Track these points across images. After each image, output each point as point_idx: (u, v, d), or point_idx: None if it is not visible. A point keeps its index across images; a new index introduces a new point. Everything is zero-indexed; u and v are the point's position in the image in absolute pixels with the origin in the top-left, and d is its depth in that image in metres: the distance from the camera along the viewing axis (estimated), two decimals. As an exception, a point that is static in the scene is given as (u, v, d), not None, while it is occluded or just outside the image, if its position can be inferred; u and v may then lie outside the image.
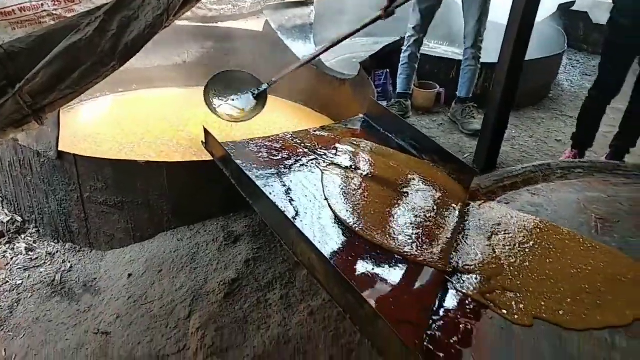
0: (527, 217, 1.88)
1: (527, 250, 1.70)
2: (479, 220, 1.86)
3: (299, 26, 3.75)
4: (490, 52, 3.24)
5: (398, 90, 3.49)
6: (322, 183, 1.85)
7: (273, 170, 1.90)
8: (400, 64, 3.44)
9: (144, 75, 3.78)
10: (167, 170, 1.90)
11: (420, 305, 1.42)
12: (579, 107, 3.19)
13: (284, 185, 1.81)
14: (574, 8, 5.05)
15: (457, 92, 3.45)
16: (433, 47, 4.90)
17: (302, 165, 1.93)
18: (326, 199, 1.75)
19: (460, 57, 3.45)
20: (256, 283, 1.83)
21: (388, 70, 3.53)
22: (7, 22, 1.64)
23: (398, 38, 3.48)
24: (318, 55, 2.66)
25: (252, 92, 2.79)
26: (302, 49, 3.68)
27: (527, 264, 1.62)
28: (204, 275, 1.87)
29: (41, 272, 2.05)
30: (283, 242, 1.56)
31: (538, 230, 1.81)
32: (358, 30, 2.37)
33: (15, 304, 1.94)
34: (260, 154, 1.97)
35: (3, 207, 2.33)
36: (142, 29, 1.60)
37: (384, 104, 3.27)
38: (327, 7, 4.42)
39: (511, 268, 1.59)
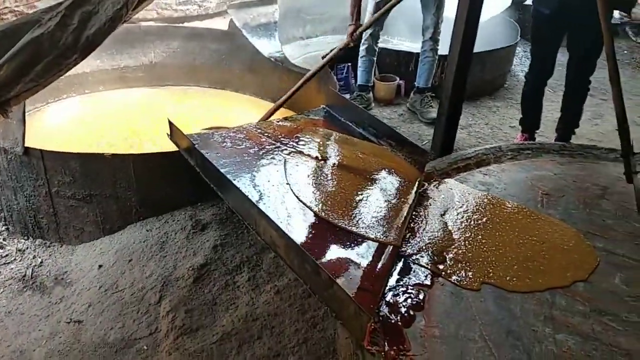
0: (478, 193, 2.00)
1: (477, 223, 1.81)
2: (434, 198, 1.97)
3: (264, 24, 3.82)
4: (448, 44, 3.39)
5: (358, 83, 3.59)
6: (285, 169, 1.94)
7: (237, 158, 1.96)
8: (360, 56, 3.55)
9: (111, 76, 3.80)
10: (133, 162, 1.95)
11: (375, 276, 1.51)
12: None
13: (248, 173, 1.87)
14: (527, 2, 5.27)
15: (415, 83, 3.58)
16: (396, 43, 5.05)
17: (265, 153, 2.00)
18: (288, 184, 1.83)
19: (418, 51, 3.59)
20: (224, 267, 1.90)
21: (349, 64, 3.65)
22: (-31, 20, 1.68)
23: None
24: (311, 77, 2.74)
25: None
26: (267, 46, 3.76)
27: (478, 236, 1.74)
28: (173, 262, 1.93)
29: (12, 268, 2.08)
30: (247, 223, 1.64)
31: (488, 205, 1.93)
32: (331, 59, 2.57)
33: (-13, 300, 1.97)
34: (225, 144, 2.03)
35: (-29, 207, 2.34)
36: (102, 22, 1.65)
37: (347, 96, 3.38)
38: (290, 5, 4.51)
39: (462, 240, 1.70)
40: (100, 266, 1.98)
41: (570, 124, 3.31)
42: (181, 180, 2.07)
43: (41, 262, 2.10)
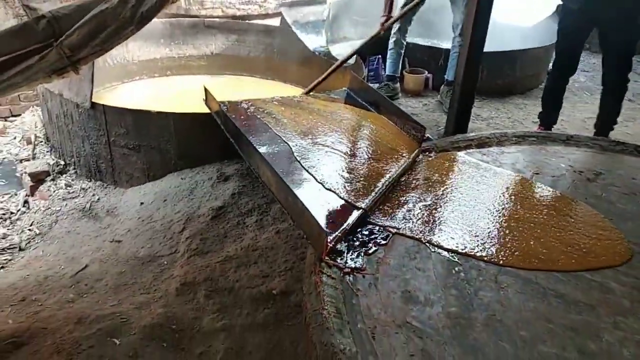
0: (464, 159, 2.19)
1: (447, 189, 2.00)
2: (421, 168, 2.18)
3: (312, 22, 4.18)
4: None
5: (387, 73, 3.85)
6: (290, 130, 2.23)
7: (256, 121, 2.31)
8: (388, 49, 3.80)
9: (177, 64, 4.33)
10: (173, 120, 2.36)
11: (339, 220, 1.75)
12: (567, 98, 3.45)
13: (259, 130, 2.20)
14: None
15: (445, 76, 3.77)
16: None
17: (277, 118, 2.33)
18: (286, 142, 2.12)
19: (448, 47, 3.78)
20: (238, 210, 2.25)
21: (380, 56, 3.92)
22: (57, -3, 2.17)
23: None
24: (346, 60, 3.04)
25: None
26: (315, 41, 4.11)
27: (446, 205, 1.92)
28: (198, 203, 2.30)
29: (75, 202, 2.56)
30: (252, 167, 1.97)
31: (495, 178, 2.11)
32: (363, 45, 2.82)
33: (54, 223, 2.45)
34: (248, 110, 2.39)
35: (51, 153, 2.88)
36: (154, 2, 2.07)
37: (376, 85, 3.65)
38: (342, 6, 4.86)
39: (432, 209, 1.84)
40: (141, 203, 2.40)
41: (607, 121, 3.35)
42: (212, 139, 2.44)
43: (98, 199, 2.56)
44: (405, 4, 3.58)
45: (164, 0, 2.08)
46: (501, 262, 1.60)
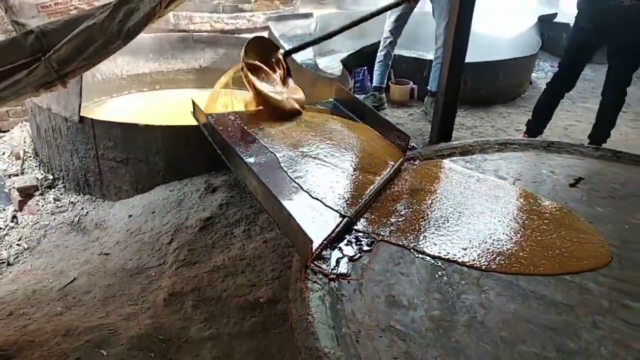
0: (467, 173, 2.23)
1: (431, 196, 2.04)
2: (406, 176, 2.22)
3: (299, 35, 4.24)
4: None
5: (374, 84, 3.91)
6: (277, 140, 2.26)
7: (243, 132, 2.34)
8: (377, 61, 3.86)
9: (166, 77, 4.36)
10: (161, 132, 2.39)
11: (325, 227, 1.77)
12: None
13: (245, 141, 2.22)
14: (556, 20, 5.38)
15: (428, 87, 3.85)
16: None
17: (264, 128, 2.36)
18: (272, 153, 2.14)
19: (432, 58, 3.86)
20: (226, 221, 2.27)
21: (365, 67, 3.99)
22: (45, 13, 2.19)
23: (375, 41, 3.94)
24: (338, 32, 2.86)
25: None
26: (302, 54, 4.16)
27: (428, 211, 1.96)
28: (186, 215, 2.32)
29: (64, 216, 2.56)
30: (239, 178, 2.00)
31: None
32: (383, 11, 2.79)
33: (42, 238, 2.45)
34: (236, 121, 2.42)
35: (40, 168, 2.89)
36: (141, 17, 2.10)
37: (362, 96, 3.71)
38: (329, 20, 4.93)
39: (416, 215, 1.87)
40: (130, 216, 2.41)
41: (603, 132, 3.45)
42: (200, 151, 2.46)
43: (87, 212, 2.57)
44: (396, 19, 3.67)
45: (151, 15, 2.12)
46: (483, 267, 1.63)
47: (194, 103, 2.37)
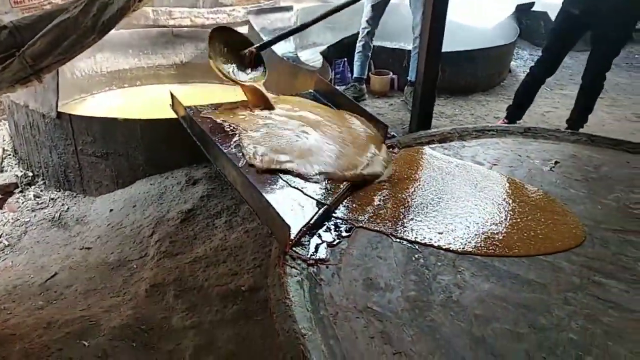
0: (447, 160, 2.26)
1: (410, 183, 2.07)
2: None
3: (280, 28, 4.24)
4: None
5: (354, 75, 3.93)
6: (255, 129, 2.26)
7: (221, 123, 2.34)
8: (356, 52, 3.89)
9: (146, 73, 4.34)
10: (140, 126, 2.38)
11: (303, 215, 1.79)
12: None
13: (227, 132, 2.23)
14: (534, 8, 5.45)
15: (408, 77, 3.88)
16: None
17: (243, 118, 2.36)
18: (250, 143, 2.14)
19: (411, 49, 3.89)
20: (207, 212, 2.28)
21: (346, 59, 4.01)
22: (18, 8, 2.17)
23: (355, 32, 3.96)
24: (303, 27, 2.86)
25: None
26: (283, 47, 4.17)
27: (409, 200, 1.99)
28: (167, 207, 2.32)
29: (45, 212, 2.55)
30: (217, 168, 2.01)
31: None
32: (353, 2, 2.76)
33: (23, 234, 2.43)
34: (215, 113, 2.42)
35: (19, 165, 2.86)
36: (115, 11, 2.10)
37: (342, 87, 3.73)
38: (310, 13, 4.93)
39: (395, 202, 1.89)
40: (111, 210, 2.41)
41: (581, 117, 3.51)
42: (180, 144, 2.45)
43: (68, 208, 2.56)
44: (372, 9, 3.69)
45: (125, 9, 2.12)
46: (459, 250, 1.66)
47: (172, 95, 2.36)
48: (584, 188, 2.11)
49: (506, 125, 2.84)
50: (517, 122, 3.52)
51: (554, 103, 3.63)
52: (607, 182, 2.16)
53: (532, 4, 5.42)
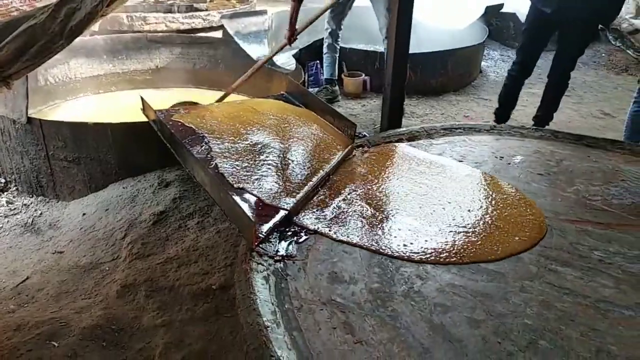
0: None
1: (378, 182, 2.11)
2: (354, 162, 2.30)
3: (254, 32, 4.28)
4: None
5: (324, 77, 4.00)
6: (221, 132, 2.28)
7: (190, 126, 2.36)
8: (323, 54, 3.95)
9: (121, 79, 4.33)
10: (111, 130, 2.40)
11: (269, 213, 1.81)
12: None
13: (195, 134, 2.24)
14: (503, 10, 5.59)
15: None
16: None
17: (211, 121, 2.38)
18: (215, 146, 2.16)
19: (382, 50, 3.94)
20: (179, 214, 2.30)
21: (318, 61, 4.07)
22: (-16, 15, 2.19)
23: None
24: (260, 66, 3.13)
25: None
26: (258, 50, 4.21)
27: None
28: (140, 210, 2.34)
29: (17, 218, 2.54)
30: (187, 169, 2.03)
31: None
32: (271, 57, 3.06)
33: (-5, 241, 2.43)
34: (184, 116, 2.44)
35: (-10, 172, 2.85)
36: (83, 16, 2.11)
37: (316, 89, 3.78)
38: (284, 17, 4.97)
39: (357, 203, 1.91)
40: (84, 214, 2.41)
41: (547, 114, 3.60)
42: (152, 147, 2.46)
43: (41, 213, 2.55)
44: (332, 10, 3.74)
45: (93, 14, 2.13)
46: (422, 259, 1.63)
47: (142, 100, 2.38)
48: (545, 182, 2.18)
49: (473, 123, 2.91)
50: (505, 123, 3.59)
51: (522, 102, 3.72)
52: (568, 176, 2.24)
53: (501, 5, 5.55)
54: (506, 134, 2.77)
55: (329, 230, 1.76)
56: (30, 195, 2.67)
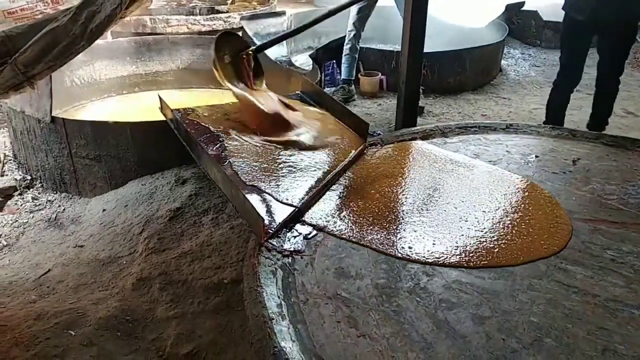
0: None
1: (394, 180, 2.11)
2: (367, 161, 2.30)
3: (273, 33, 4.31)
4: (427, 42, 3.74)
5: (342, 77, 4.01)
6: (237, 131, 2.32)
7: (205, 125, 2.41)
8: (343, 54, 3.96)
9: (144, 80, 4.44)
10: (130, 129, 2.47)
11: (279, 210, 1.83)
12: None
13: (209, 133, 2.29)
14: (524, 8, 5.50)
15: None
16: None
17: (226, 119, 2.42)
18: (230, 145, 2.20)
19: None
20: (195, 210, 2.35)
21: (334, 61, 4.08)
22: (12, 19, 2.27)
23: (342, 35, 4.04)
24: (302, 29, 2.87)
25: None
26: (276, 51, 4.25)
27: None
28: (157, 206, 2.40)
29: (42, 213, 2.63)
30: (201, 166, 2.08)
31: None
32: (343, 8, 2.79)
33: (21, 235, 2.52)
34: (201, 115, 2.50)
35: (18, 169, 2.97)
36: (103, 18, 2.18)
37: (332, 89, 3.80)
38: (303, 18, 5.02)
39: (369, 205, 1.89)
40: (104, 210, 2.49)
41: (601, 121, 3.47)
42: (170, 145, 2.54)
43: (64, 209, 2.64)
44: (358, 12, 3.76)
45: (112, 16, 2.20)
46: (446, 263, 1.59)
47: (160, 99, 2.44)
48: (560, 180, 2.15)
49: (488, 121, 2.88)
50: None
51: (542, 100, 3.65)
52: (582, 174, 2.20)
53: (522, 3, 5.47)
54: (522, 133, 2.73)
55: (337, 229, 1.77)
56: (54, 192, 2.77)
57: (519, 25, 5.46)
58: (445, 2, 4.36)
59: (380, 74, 4.18)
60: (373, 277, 1.56)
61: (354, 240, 1.71)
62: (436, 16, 4.15)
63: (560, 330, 1.36)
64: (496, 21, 4.90)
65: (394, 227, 1.78)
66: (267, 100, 2.40)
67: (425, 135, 2.65)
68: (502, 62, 4.82)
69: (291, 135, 2.25)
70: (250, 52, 2.65)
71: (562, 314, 1.42)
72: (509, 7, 5.01)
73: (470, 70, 4.21)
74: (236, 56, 2.58)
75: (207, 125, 2.34)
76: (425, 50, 3.80)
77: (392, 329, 1.36)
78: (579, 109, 4.01)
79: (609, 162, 2.32)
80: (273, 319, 1.35)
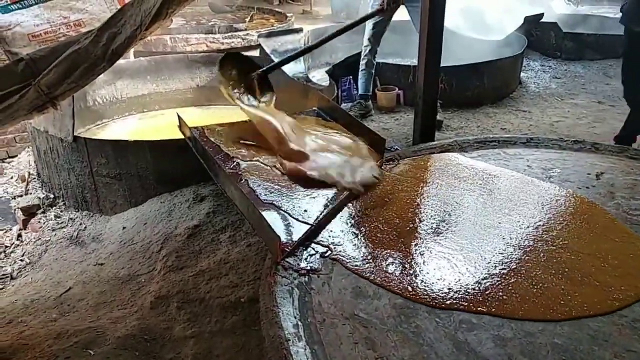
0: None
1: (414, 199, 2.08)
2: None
3: (290, 50, 4.36)
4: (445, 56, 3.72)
5: (359, 93, 4.01)
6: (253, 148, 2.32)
7: (221, 143, 2.42)
8: (360, 70, 3.97)
9: (164, 98, 4.52)
10: (149, 147, 2.50)
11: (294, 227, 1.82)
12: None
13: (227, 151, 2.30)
14: (543, 20, 5.44)
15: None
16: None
17: (241, 137, 2.42)
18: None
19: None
20: (212, 228, 2.36)
21: (351, 77, 4.09)
22: (36, 42, 2.35)
23: (358, 52, 4.05)
24: (314, 47, 3.02)
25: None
26: (293, 68, 4.29)
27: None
28: (175, 224, 2.42)
29: (64, 231, 2.68)
30: (218, 184, 2.09)
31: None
32: (363, 20, 2.82)
33: (44, 252, 2.57)
34: (218, 133, 2.52)
35: (42, 188, 3.03)
36: (123, 40, 2.23)
37: (349, 104, 3.81)
38: (320, 34, 5.06)
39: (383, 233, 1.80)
40: (124, 228, 2.52)
41: (628, 136, 3.37)
42: (188, 163, 2.56)
43: (85, 227, 2.69)
44: (373, 27, 3.78)
45: (133, 38, 2.25)
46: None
47: (179, 117, 2.48)
48: (584, 195, 2.10)
49: (508, 135, 2.84)
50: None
51: (563, 113, 3.60)
52: (608, 189, 2.14)
53: (541, 15, 5.42)
54: (543, 147, 2.67)
55: (347, 257, 1.69)
56: (76, 210, 2.82)
57: (538, 37, 5.40)
58: (463, 16, 4.36)
59: (397, 88, 4.17)
60: (391, 296, 1.54)
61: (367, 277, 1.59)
62: (454, 29, 4.14)
63: (585, 352, 1.32)
64: (515, 34, 4.87)
65: (416, 262, 1.65)
66: (282, 121, 2.39)
67: (444, 150, 2.61)
68: (522, 74, 4.77)
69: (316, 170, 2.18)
70: (260, 72, 2.65)
71: (588, 335, 1.38)
72: (527, 19, 4.97)
73: (489, 84, 4.18)
74: (241, 74, 2.60)
75: (223, 142, 2.36)
76: (443, 64, 3.80)
77: (410, 351, 1.33)
78: (602, 122, 3.92)
79: (633, 177, 2.26)
80: (289, 339, 1.33)
